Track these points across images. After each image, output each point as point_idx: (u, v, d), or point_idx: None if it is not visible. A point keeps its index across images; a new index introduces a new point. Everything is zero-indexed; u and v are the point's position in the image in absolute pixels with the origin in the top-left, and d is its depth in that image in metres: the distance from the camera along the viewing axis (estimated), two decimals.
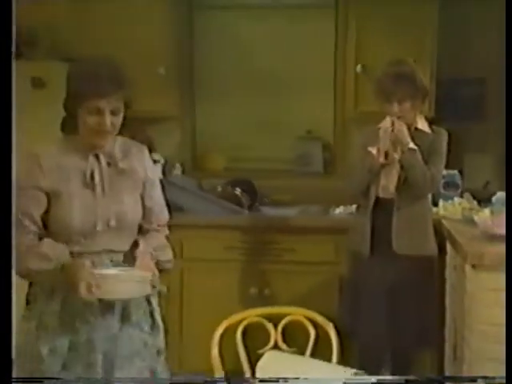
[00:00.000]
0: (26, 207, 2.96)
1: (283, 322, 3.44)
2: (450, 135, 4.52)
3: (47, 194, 2.97)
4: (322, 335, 3.39)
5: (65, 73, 5.25)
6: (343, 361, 3.25)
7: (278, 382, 2.56)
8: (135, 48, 5.31)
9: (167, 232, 3.32)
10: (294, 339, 3.41)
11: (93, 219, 3.00)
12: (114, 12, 5.37)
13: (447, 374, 4.75)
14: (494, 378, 2.44)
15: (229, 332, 3.38)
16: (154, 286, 2.97)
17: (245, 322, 3.45)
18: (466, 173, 5.50)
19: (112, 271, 2.95)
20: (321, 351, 3.26)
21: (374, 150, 4.39)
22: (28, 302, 3.07)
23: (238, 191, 5.42)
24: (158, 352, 3.15)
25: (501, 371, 2.66)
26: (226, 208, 5.22)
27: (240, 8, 5.82)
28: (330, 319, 3.46)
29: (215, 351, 3.30)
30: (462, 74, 5.59)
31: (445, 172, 4.73)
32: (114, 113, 2.93)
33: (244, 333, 3.45)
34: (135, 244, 3.14)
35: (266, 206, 5.62)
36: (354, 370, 2.71)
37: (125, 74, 3.00)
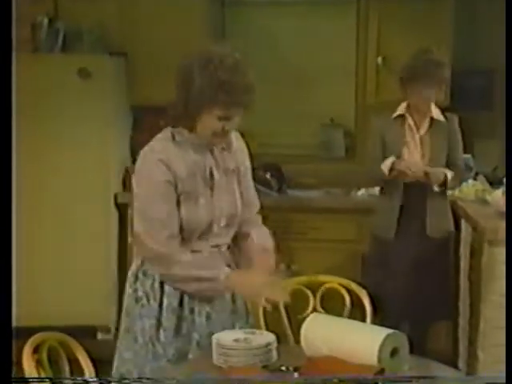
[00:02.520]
0: (166, 212, 2.84)
1: (321, 289, 3.54)
2: (460, 119, 4.70)
3: (178, 196, 2.86)
4: (355, 302, 3.52)
5: (110, 64, 5.61)
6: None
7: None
8: (172, 42, 5.39)
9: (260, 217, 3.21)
10: (329, 305, 3.51)
11: (211, 219, 2.91)
12: (154, 9, 5.55)
13: (461, 343, 4.94)
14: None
15: None
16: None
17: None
18: (477, 157, 5.63)
19: (234, 336, 2.80)
20: (354, 317, 3.29)
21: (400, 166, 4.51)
22: (139, 299, 2.99)
23: (267, 175, 5.59)
24: None
25: None
26: (257, 190, 5.45)
27: (267, 5, 5.95)
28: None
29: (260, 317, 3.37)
30: (473, 65, 5.71)
31: None
32: (239, 115, 2.81)
33: None
34: (244, 237, 3.10)
35: (293, 189, 5.75)
36: (392, 331, 2.68)
37: (253, 78, 2.80)
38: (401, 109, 4.63)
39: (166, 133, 2.92)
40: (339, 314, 3.39)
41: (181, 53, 5.40)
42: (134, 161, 5.86)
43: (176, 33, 5.51)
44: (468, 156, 5.48)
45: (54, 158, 5.39)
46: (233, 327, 3.04)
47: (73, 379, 2.55)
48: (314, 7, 5.93)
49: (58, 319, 5.12)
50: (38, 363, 2.64)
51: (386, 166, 4.55)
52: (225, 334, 2.84)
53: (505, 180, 4.54)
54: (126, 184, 5.64)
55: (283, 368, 2.67)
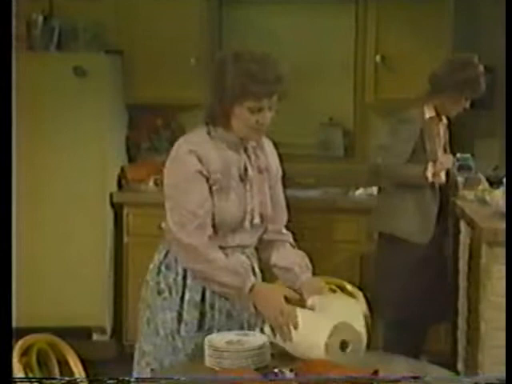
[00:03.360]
0: (197, 202, 2.84)
1: None
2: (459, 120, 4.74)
3: (210, 188, 2.87)
4: None
5: (106, 63, 5.61)
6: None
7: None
8: (169, 41, 5.49)
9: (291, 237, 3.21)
10: None
11: (242, 215, 2.93)
12: (151, 7, 5.54)
13: (460, 344, 4.91)
14: None
15: None
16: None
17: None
18: (477, 157, 5.43)
19: (227, 337, 2.78)
20: None
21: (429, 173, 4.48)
22: (161, 291, 3.00)
23: None
24: None
25: None
26: None
27: (265, 3, 5.96)
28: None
29: None
30: None
31: (459, 155, 4.81)
32: (271, 108, 2.84)
33: None
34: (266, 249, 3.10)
35: (291, 188, 5.52)
36: (340, 321, 2.66)
37: (284, 69, 2.84)
38: (430, 110, 4.58)
39: (202, 127, 2.96)
40: None
41: (177, 51, 5.49)
42: (129, 159, 5.86)
43: (173, 31, 5.52)
44: (467, 155, 5.42)
45: (49, 157, 5.37)
46: (253, 329, 3.02)
47: (69, 379, 2.57)
48: (312, 5, 5.92)
49: (52, 320, 5.11)
50: (27, 366, 2.60)
51: (430, 172, 4.48)
52: (217, 335, 2.82)
53: (505, 180, 4.51)
54: (122, 183, 5.61)
55: (276, 370, 2.64)
